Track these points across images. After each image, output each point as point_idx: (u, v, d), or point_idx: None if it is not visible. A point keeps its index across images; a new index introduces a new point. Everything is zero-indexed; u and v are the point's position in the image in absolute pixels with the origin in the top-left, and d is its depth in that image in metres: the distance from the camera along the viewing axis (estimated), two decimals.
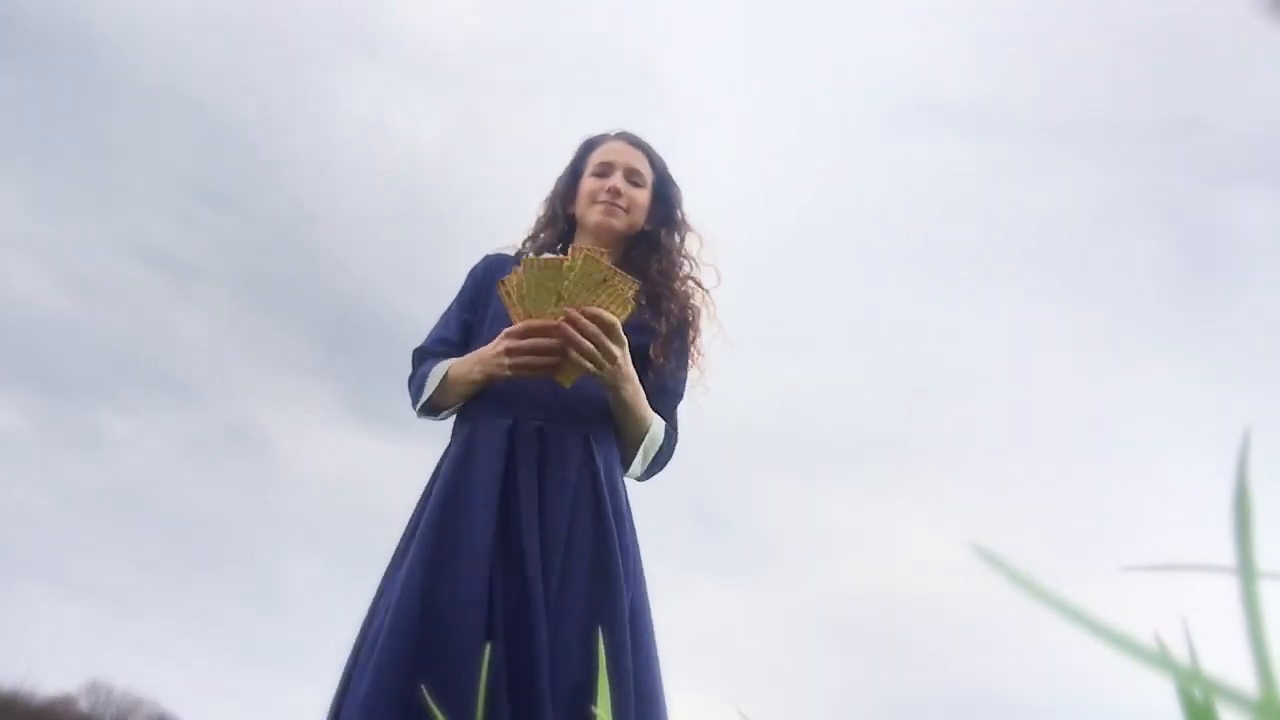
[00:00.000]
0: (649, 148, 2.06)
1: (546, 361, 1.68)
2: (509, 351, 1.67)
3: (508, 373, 1.69)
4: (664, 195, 2.05)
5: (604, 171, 1.99)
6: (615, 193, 1.95)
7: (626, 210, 1.97)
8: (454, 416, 1.91)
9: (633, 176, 1.99)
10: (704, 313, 2.02)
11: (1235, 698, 0.25)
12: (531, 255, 1.77)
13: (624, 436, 1.82)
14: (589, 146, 2.06)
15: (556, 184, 2.10)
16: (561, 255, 1.67)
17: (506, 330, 1.69)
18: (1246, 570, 0.28)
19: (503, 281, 1.68)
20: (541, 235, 2.07)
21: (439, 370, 1.85)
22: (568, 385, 1.73)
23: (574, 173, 2.06)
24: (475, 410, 1.82)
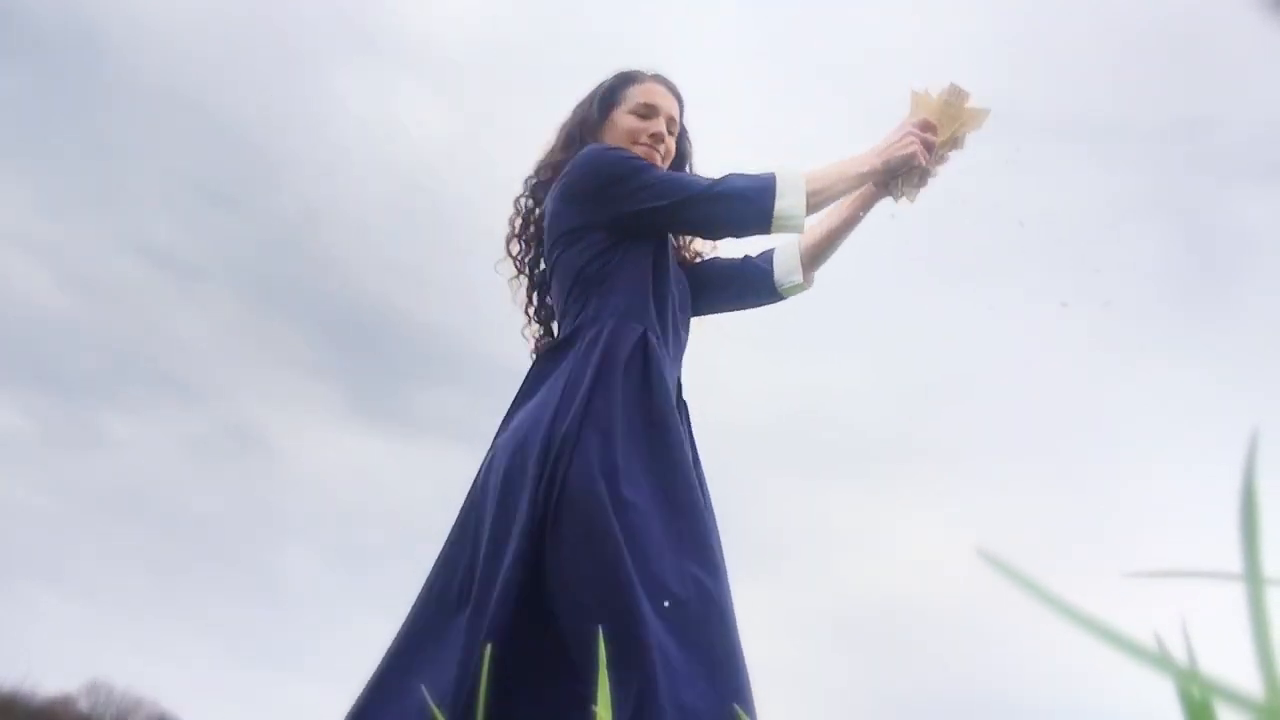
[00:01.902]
0: (683, 99, 1.98)
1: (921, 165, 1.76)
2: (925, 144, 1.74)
3: (919, 158, 1.74)
4: (682, 150, 2.00)
5: (647, 114, 1.88)
6: (659, 138, 1.87)
7: (663, 159, 1.89)
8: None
9: (671, 126, 1.91)
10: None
11: (1234, 698, 0.25)
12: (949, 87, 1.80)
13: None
14: (627, 80, 1.93)
15: (580, 112, 1.95)
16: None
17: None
18: (1253, 572, 0.28)
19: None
20: (557, 161, 1.91)
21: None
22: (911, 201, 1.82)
23: (606, 104, 1.91)
24: None
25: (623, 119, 1.88)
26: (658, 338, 1.71)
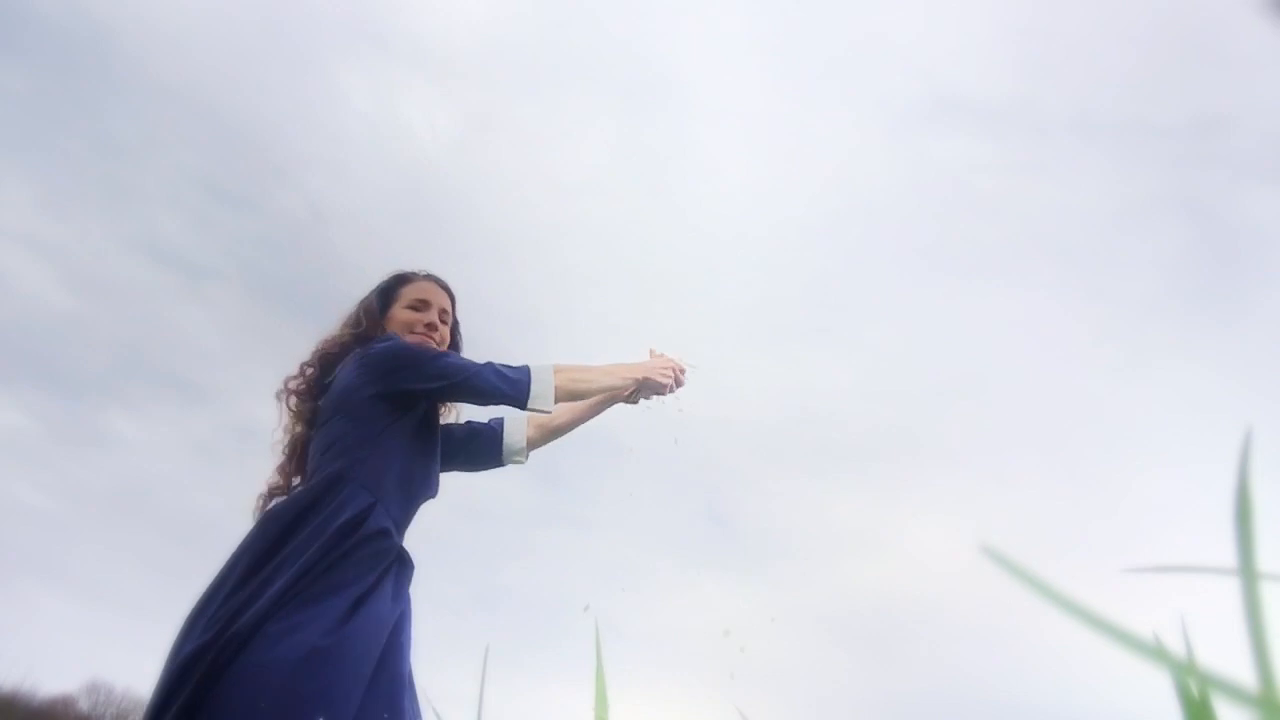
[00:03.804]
0: (452, 291, 2.33)
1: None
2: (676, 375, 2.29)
3: (668, 389, 2.26)
4: (455, 340, 2.34)
5: (420, 307, 2.23)
6: (433, 327, 2.22)
7: (438, 345, 2.22)
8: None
9: (444, 317, 2.26)
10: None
11: (1232, 691, 0.25)
12: None
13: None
14: (402, 280, 2.28)
15: (363, 304, 2.27)
16: None
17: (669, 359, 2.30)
18: (1247, 569, 0.28)
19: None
20: (345, 341, 2.22)
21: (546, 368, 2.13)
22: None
23: (385, 298, 2.26)
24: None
25: (400, 313, 2.22)
26: (386, 511, 1.92)
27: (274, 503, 2.01)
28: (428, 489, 2.09)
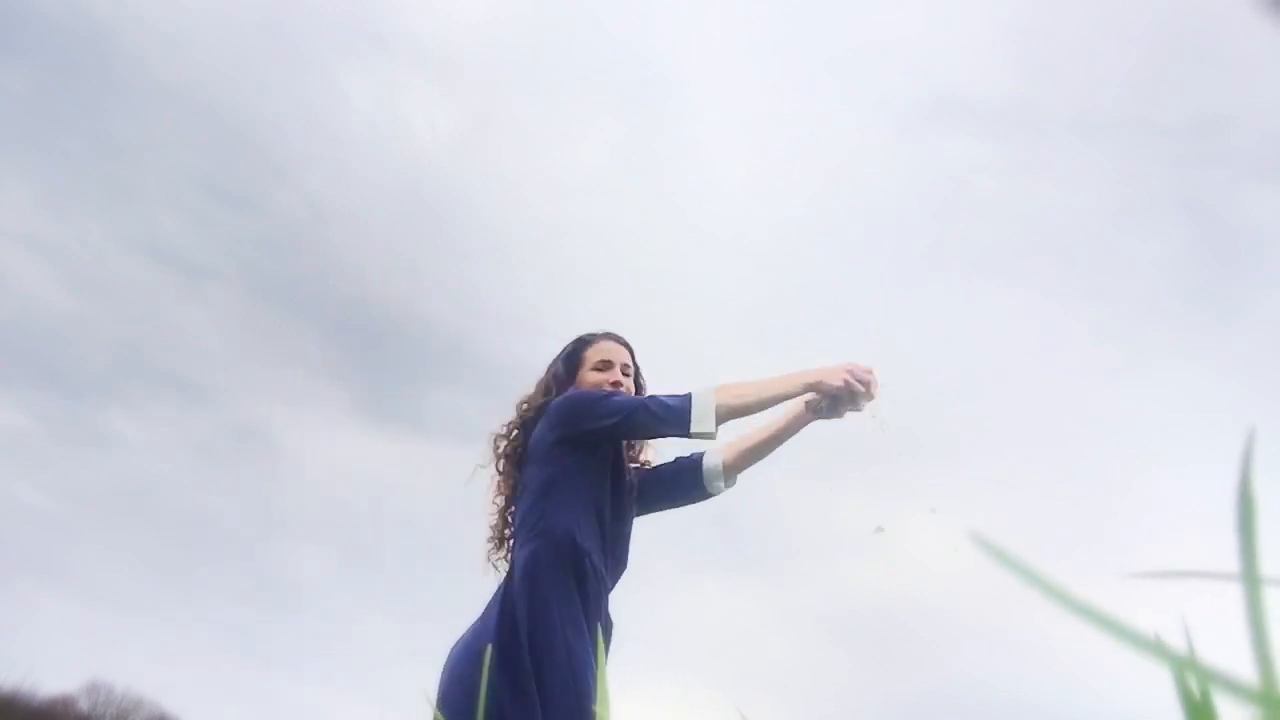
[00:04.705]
0: (630, 344, 2.42)
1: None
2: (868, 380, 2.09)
3: (851, 393, 2.08)
4: (639, 385, 2.41)
5: (604, 367, 2.34)
6: (618, 384, 2.31)
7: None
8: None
9: (625, 371, 2.35)
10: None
11: (1231, 687, 0.25)
12: None
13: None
14: (584, 344, 2.39)
15: (552, 369, 2.40)
16: None
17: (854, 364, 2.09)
18: (1249, 571, 0.28)
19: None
20: (539, 404, 2.35)
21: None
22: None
23: (571, 363, 2.38)
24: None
25: (588, 375, 2.33)
26: (590, 562, 2.12)
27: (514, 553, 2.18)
28: (621, 524, 2.25)
